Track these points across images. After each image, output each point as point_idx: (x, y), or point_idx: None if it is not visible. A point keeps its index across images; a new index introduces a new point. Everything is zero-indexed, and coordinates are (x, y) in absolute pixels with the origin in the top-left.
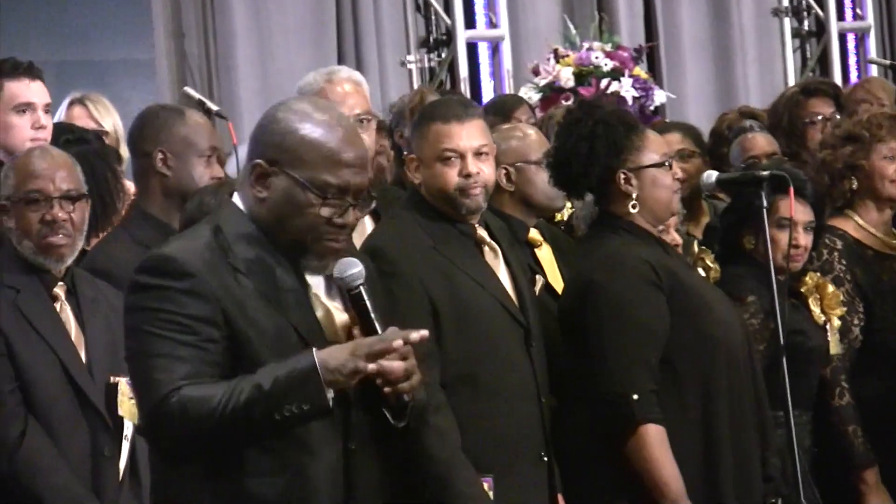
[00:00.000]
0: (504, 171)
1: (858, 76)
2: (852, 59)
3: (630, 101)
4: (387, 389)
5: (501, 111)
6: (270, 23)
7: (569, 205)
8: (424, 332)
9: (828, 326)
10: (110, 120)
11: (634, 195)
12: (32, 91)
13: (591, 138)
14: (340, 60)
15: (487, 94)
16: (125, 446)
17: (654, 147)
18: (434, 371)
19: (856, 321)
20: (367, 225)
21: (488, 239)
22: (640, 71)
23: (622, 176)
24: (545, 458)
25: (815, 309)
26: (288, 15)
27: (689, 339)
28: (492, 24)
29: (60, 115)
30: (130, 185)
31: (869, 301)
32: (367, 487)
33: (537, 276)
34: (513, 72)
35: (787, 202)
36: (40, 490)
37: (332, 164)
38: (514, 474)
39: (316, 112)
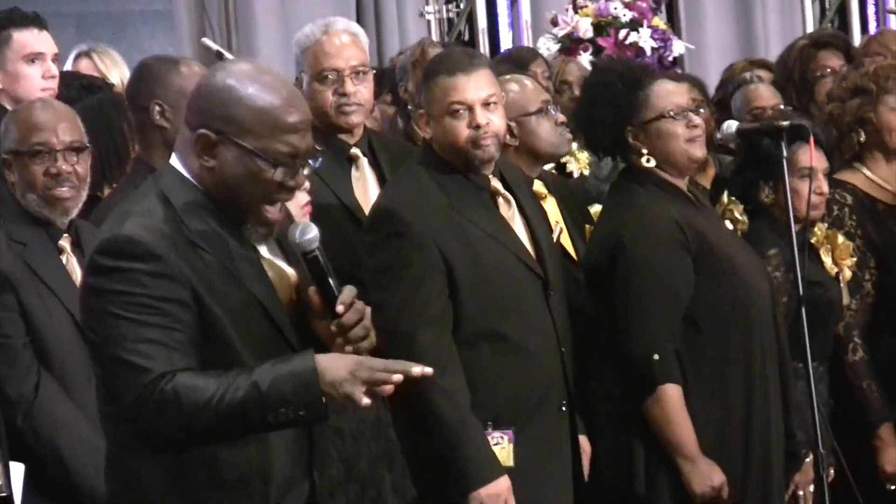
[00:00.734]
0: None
1: (877, 26)
2: (871, 10)
3: (649, 52)
4: (347, 348)
5: (518, 64)
6: None
7: (584, 159)
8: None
9: (840, 277)
10: (117, 73)
11: (645, 150)
12: (41, 41)
13: (594, 101)
14: (359, 11)
15: (506, 45)
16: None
17: (659, 99)
18: (446, 331)
19: (867, 276)
20: (370, 179)
21: (502, 190)
22: (659, 21)
23: (629, 133)
24: (564, 409)
25: (827, 260)
26: None
27: (714, 301)
28: None
29: (67, 67)
30: None
31: (881, 255)
32: (324, 442)
33: (556, 222)
34: (531, 23)
35: (804, 153)
36: (59, 441)
37: (280, 131)
38: (535, 426)
39: (257, 76)
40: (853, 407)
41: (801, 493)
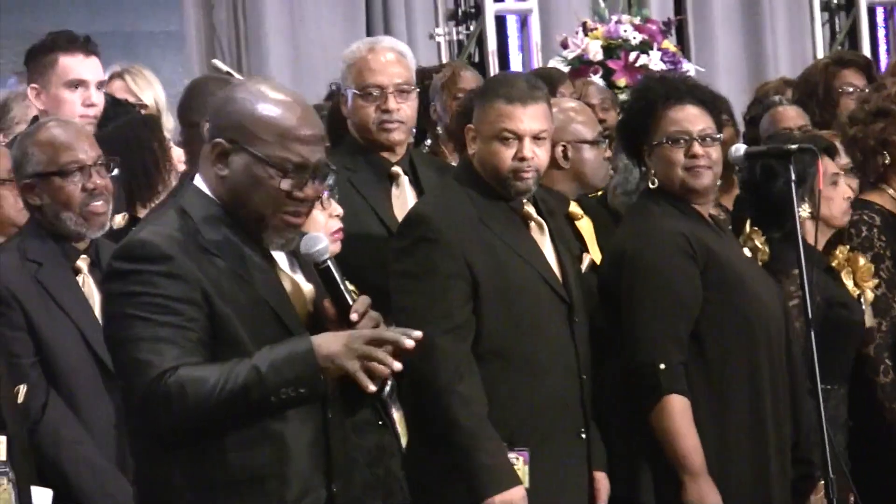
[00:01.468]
0: (561, 149)
1: (888, 50)
2: (881, 33)
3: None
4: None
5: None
6: None
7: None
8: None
9: (862, 299)
10: (150, 92)
11: (652, 171)
12: (86, 67)
13: (628, 113)
14: (369, 32)
15: (516, 67)
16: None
17: (668, 123)
18: (467, 340)
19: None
20: (410, 197)
21: (535, 215)
22: (669, 44)
23: (645, 152)
24: (583, 436)
25: (849, 282)
26: None
27: (721, 315)
28: None
29: None
30: (179, 153)
31: None
32: (346, 456)
33: (585, 254)
34: (541, 45)
35: (827, 163)
36: (63, 462)
37: (290, 140)
38: (551, 450)
39: (272, 92)
40: (880, 429)
41: None
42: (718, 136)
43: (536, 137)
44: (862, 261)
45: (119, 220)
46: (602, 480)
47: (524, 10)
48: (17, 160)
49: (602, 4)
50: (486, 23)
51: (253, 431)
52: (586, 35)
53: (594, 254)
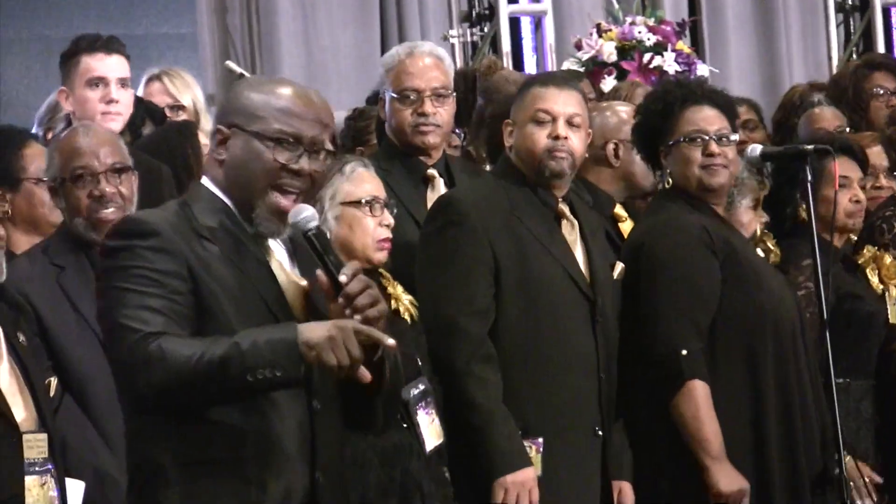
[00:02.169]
0: (613, 147)
1: None
2: None
3: (672, 76)
4: (356, 317)
5: None
6: None
7: None
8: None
9: (886, 296)
10: (189, 94)
11: (668, 171)
12: (106, 65)
13: (642, 116)
14: (384, 35)
15: (530, 69)
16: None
17: (685, 123)
18: (486, 325)
19: None
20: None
21: (568, 214)
22: (683, 45)
23: (661, 152)
24: (600, 433)
25: (874, 279)
26: None
27: (737, 309)
28: None
29: (139, 91)
30: None
31: None
32: (333, 447)
33: (618, 263)
34: (555, 46)
35: (839, 163)
36: (71, 468)
37: (284, 115)
38: (565, 446)
39: (272, 81)
40: None
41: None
42: (734, 136)
43: (571, 123)
44: (888, 259)
45: None
46: (627, 492)
47: (538, 11)
48: (47, 163)
49: (616, 6)
50: (500, 24)
51: (236, 413)
52: (600, 36)
53: None
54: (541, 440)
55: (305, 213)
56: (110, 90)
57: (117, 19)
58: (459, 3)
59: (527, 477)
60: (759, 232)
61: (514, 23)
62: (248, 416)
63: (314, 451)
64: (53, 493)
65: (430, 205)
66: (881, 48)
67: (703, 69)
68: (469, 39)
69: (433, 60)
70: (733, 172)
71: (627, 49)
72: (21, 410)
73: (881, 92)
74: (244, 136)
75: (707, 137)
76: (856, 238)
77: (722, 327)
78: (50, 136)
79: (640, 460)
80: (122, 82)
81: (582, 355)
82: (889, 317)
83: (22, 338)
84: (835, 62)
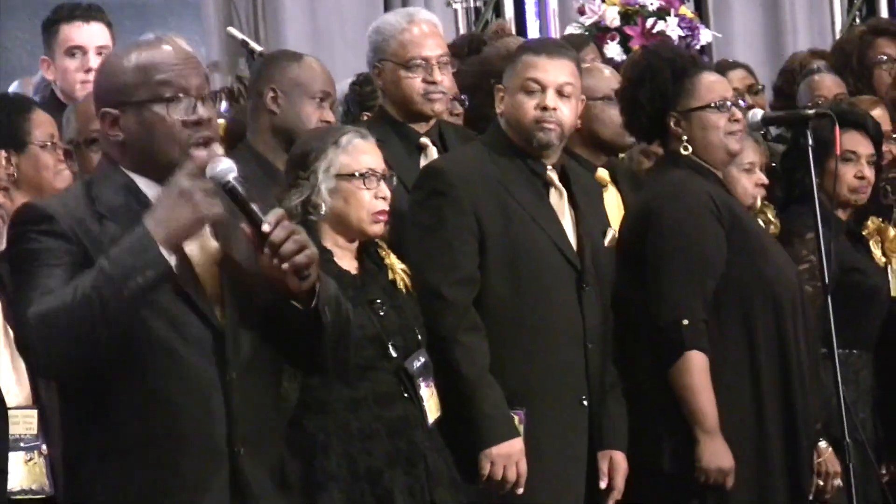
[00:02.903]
0: None
1: None
2: None
3: (676, 41)
4: (284, 265)
5: None
6: None
7: None
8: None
9: (889, 269)
10: None
11: (685, 137)
12: (84, 34)
13: (639, 85)
14: (387, 2)
15: (533, 35)
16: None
17: (705, 89)
18: (472, 294)
19: None
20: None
21: (557, 182)
22: (687, 10)
23: (672, 119)
24: (584, 403)
25: (877, 251)
26: None
27: (741, 278)
28: None
29: None
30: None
31: None
32: (256, 418)
33: (609, 229)
34: (558, 12)
35: (848, 137)
36: None
37: (156, 72)
38: (551, 415)
39: (130, 46)
40: None
41: (821, 482)
42: (742, 103)
43: (561, 93)
44: (892, 231)
45: None
46: (618, 461)
47: None
48: (64, 127)
49: None
50: None
51: (138, 394)
52: (603, 1)
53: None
54: (522, 412)
55: (222, 166)
56: (88, 59)
57: None
58: None
59: (513, 449)
60: (759, 203)
61: None
62: (150, 394)
63: (230, 423)
64: (43, 470)
65: None
66: (884, 14)
67: (706, 35)
68: (472, 5)
69: (432, 28)
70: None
71: (630, 14)
72: (13, 385)
73: (885, 59)
74: (133, 109)
75: (731, 104)
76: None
77: (723, 296)
78: None
79: (641, 428)
80: (101, 50)
81: (568, 325)
82: (891, 290)
83: None
84: (838, 28)
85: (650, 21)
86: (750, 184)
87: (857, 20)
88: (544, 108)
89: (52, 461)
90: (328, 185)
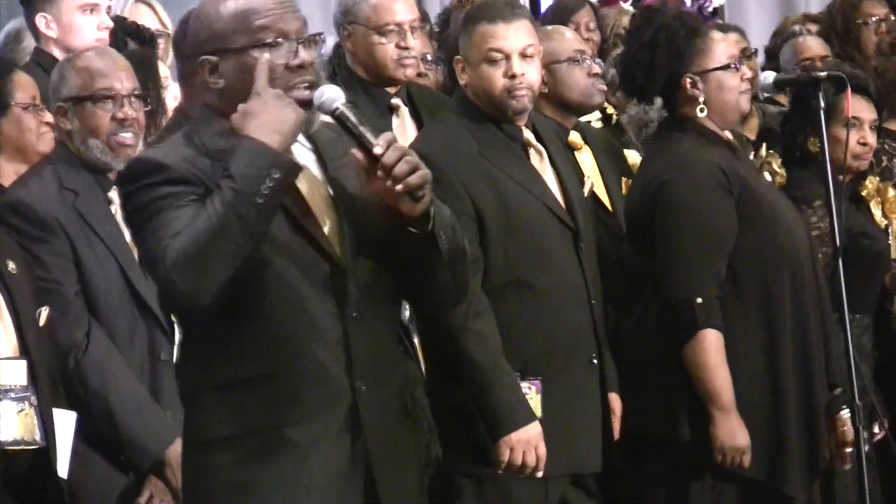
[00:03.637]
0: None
1: None
2: None
3: (689, 3)
4: (398, 187)
5: (559, 15)
6: None
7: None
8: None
9: (889, 230)
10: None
11: (701, 99)
12: None
13: (653, 45)
14: None
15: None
16: (176, 350)
17: (720, 50)
18: (477, 276)
19: None
20: (410, 129)
21: (534, 142)
22: None
23: (688, 80)
24: (595, 362)
25: (877, 212)
26: None
27: (755, 247)
28: None
29: (125, 12)
30: (176, 92)
31: None
32: (376, 356)
33: (587, 178)
34: None
35: (852, 102)
36: (108, 393)
37: (256, 17)
38: (565, 378)
39: None
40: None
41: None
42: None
43: (524, 55)
44: (892, 192)
45: None
46: (615, 402)
47: None
48: (55, 83)
49: None
50: None
51: (260, 328)
52: None
53: (595, 185)
54: (539, 381)
55: (328, 94)
56: (104, 17)
57: None
58: None
59: (532, 433)
60: (764, 154)
61: None
62: (278, 332)
63: (350, 360)
64: (34, 421)
65: (396, 133)
66: None
67: None
68: None
69: None
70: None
71: None
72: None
73: (872, 21)
74: (231, 56)
75: (739, 64)
76: None
77: (740, 268)
78: None
79: (653, 399)
80: (109, 9)
81: (571, 286)
82: (892, 252)
83: (11, 265)
84: None
85: None
86: None
87: None
88: (513, 77)
89: (42, 413)
90: None
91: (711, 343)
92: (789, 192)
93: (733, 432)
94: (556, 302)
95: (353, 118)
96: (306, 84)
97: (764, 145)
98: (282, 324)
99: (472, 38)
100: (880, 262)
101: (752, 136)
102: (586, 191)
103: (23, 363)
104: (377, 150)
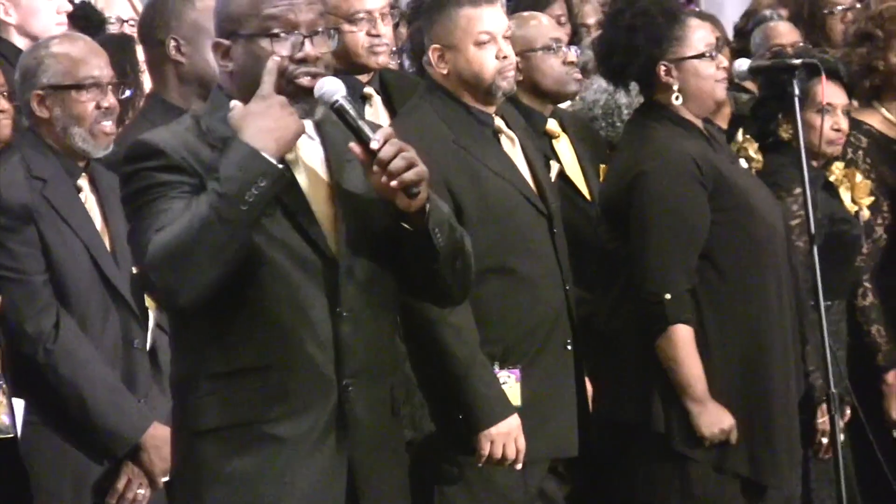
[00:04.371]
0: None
1: None
2: None
3: None
4: (392, 183)
5: (533, 5)
6: None
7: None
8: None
9: (859, 216)
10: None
11: (676, 87)
12: None
13: (631, 30)
14: None
15: None
16: (149, 337)
17: (697, 37)
18: None
19: (879, 220)
20: (383, 117)
21: (506, 128)
22: None
23: (663, 67)
24: (570, 347)
25: (846, 197)
26: None
27: (731, 238)
28: None
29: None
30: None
31: (895, 198)
32: (367, 354)
33: (552, 162)
34: None
35: (822, 88)
36: (79, 380)
37: (268, 5)
38: (542, 364)
39: None
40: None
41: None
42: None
43: (505, 37)
44: (859, 177)
45: None
46: (588, 385)
47: None
48: (30, 69)
49: None
50: None
51: (253, 320)
52: None
53: (573, 172)
54: (518, 370)
55: (328, 87)
56: (63, 1)
57: None
58: None
59: (511, 426)
60: (740, 139)
61: None
62: (270, 324)
63: (339, 355)
64: (3, 407)
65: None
66: None
67: None
68: None
69: None
70: None
71: None
72: None
73: (837, 9)
74: (241, 41)
75: (716, 53)
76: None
77: (720, 260)
78: None
79: (628, 386)
80: None
81: (547, 272)
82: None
83: None
84: None
85: None
86: None
87: None
88: (504, 58)
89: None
90: None
91: (681, 338)
92: (766, 179)
93: (713, 419)
94: (535, 287)
95: (352, 111)
96: (308, 76)
97: (740, 131)
98: (276, 318)
99: (456, 23)
100: (856, 247)
101: (724, 125)
102: (553, 175)
103: None
104: (374, 145)
